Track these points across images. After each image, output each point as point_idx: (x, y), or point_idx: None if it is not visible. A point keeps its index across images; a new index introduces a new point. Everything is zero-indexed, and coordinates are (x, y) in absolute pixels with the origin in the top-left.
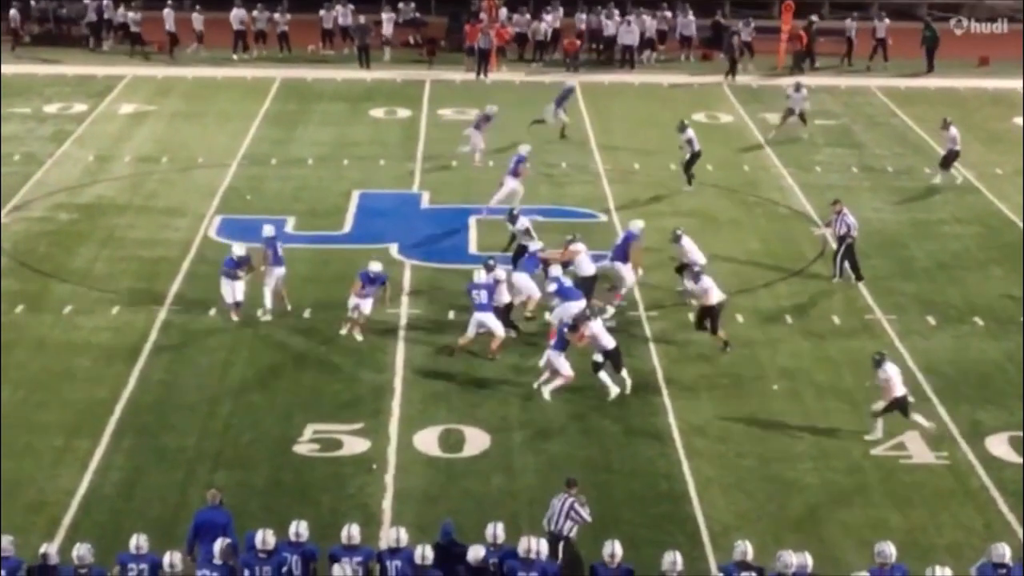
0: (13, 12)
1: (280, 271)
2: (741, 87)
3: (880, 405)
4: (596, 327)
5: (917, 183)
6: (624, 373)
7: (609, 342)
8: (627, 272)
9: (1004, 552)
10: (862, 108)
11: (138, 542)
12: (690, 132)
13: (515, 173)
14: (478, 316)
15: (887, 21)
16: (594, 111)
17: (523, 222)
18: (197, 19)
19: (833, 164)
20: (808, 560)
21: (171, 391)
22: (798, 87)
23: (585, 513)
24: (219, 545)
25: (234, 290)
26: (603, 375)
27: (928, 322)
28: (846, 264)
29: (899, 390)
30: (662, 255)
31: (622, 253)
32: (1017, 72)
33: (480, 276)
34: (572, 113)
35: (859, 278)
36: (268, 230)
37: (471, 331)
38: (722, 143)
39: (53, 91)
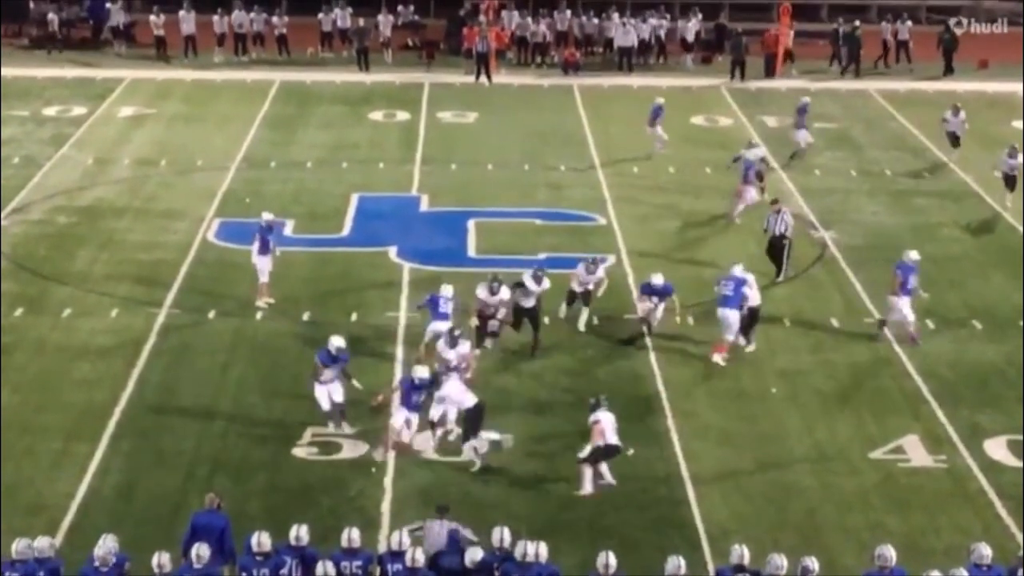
0: (51, 16)
1: (265, 261)
2: (740, 90)
3: (586, 451)
4: (605, 418)
5: (916, 186)
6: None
7: (612, 437)
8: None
9: (984, 553)
10: (861, 111)
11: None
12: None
13: (747, 180)
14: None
15: (909, 23)
16: (593, 114)
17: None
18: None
19: (832, 167)
20: (814, 564)
21: (170, 394)
22: (956, 110)
23: (469, 533)
24: (196, 551)
25: (330, 393)
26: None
27: (927, 325)
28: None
29: (609, 438)
30: (662, 260)
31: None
32: (1016, 75)
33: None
34: (571, 114)
35: (777, 276)
36: (266, 216)
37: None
38: (720, 146)
39: (52, 94)
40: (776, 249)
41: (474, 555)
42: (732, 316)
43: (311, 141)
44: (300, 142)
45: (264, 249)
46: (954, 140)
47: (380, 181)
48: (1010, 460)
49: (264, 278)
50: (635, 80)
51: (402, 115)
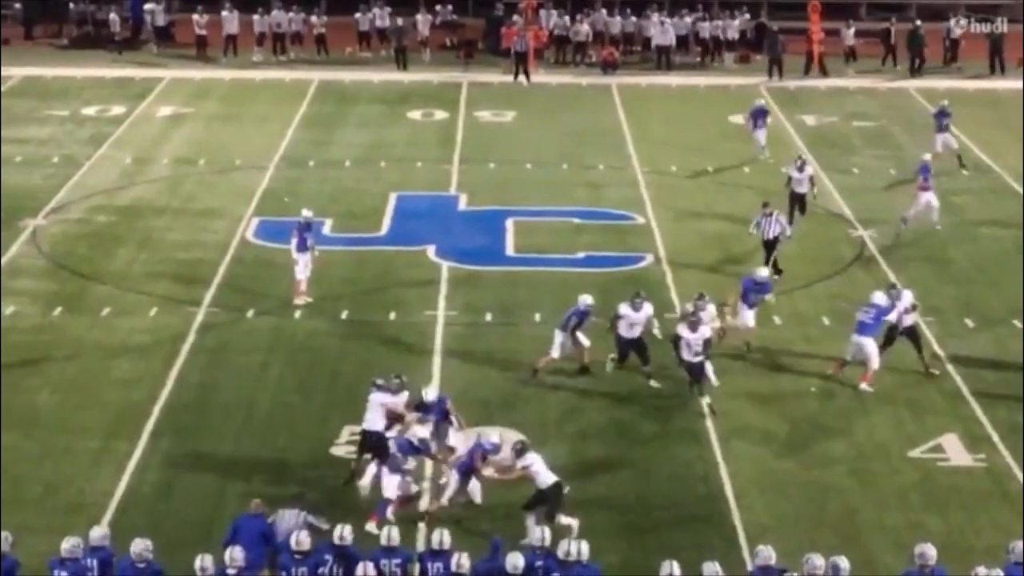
0: (113, 16)
1: (304, 258)
2: (778, 89)
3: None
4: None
5: (955, 185)
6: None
7: (548, 479)
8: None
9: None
10: (900, 110)
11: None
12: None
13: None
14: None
15: (964, 22)
16: (631, 113)
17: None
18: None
19: (871, 167)
20: (844, 563)
21: (208, 393)
22: (802, 164)
23: (321, 522)
24: (230, 553)
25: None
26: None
27: (966, 324)
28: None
29: (546, 480)
30: (699, 259)
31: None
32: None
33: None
34: (609, 113)
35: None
36: (305, 213)
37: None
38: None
39: (91, 93)
40: (774, 250)
41: (516, 560)
42: (868, 345)
43: (349, 140)
44: (338, 141)
45: (302, 246)
46: (800, 203)
47: (418, 180)
48: None
49: (301, 275)
50: (673, 79)
51: (440, 114)
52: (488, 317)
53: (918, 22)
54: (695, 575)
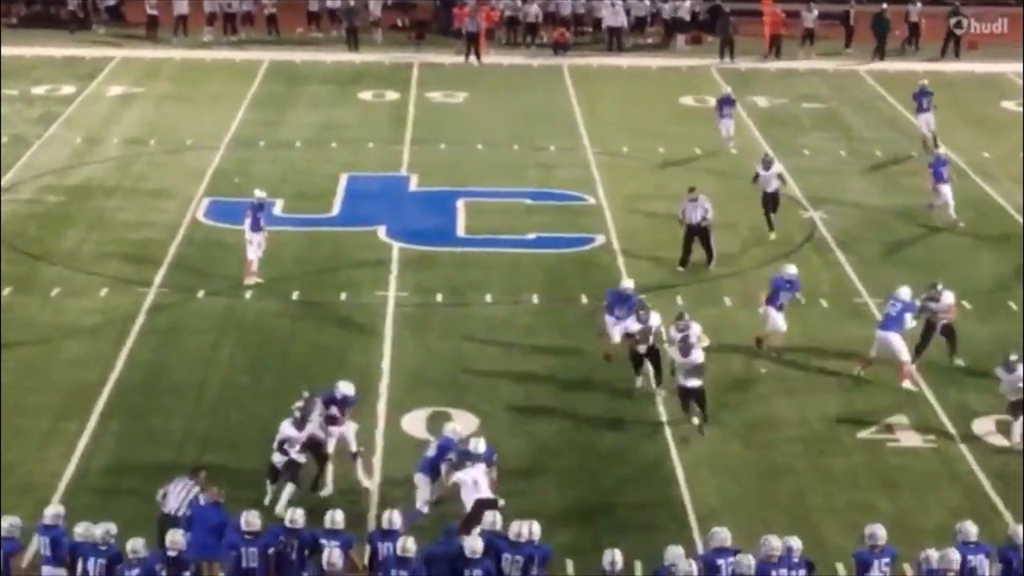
0: None
1: (257, 237)
2: (730, 71)
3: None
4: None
5: (906, 167)
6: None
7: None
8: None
9: (970, 531)
10: (851, 91)
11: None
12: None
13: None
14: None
15: (919, 5)
16: (583, 94)
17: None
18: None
19: (821, 148)
20: (796, 543)
21: (159, 373)
22: (768, 162)
23: (206, 496)
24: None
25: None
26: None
27: (917, 306)
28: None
29: (479, 494)
30: (649, 237)
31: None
32: (1005, 56)
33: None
34: (560, 94)
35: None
36: (258, 194)
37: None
38: (710, 126)
39: (41, 73)
40: (699, 237)
41: (475, 545)
42: (894, 339)
43: (300, 121)
44: (289, 122)
45: (255, 226)
46: (772, 201)
47: (369, 161)
48: (998, 439)
49: (253, 255)
50: (625, 60)
51: (391, 95)
52: (439, 298)
53: (884, 5)
54: (648, 556)
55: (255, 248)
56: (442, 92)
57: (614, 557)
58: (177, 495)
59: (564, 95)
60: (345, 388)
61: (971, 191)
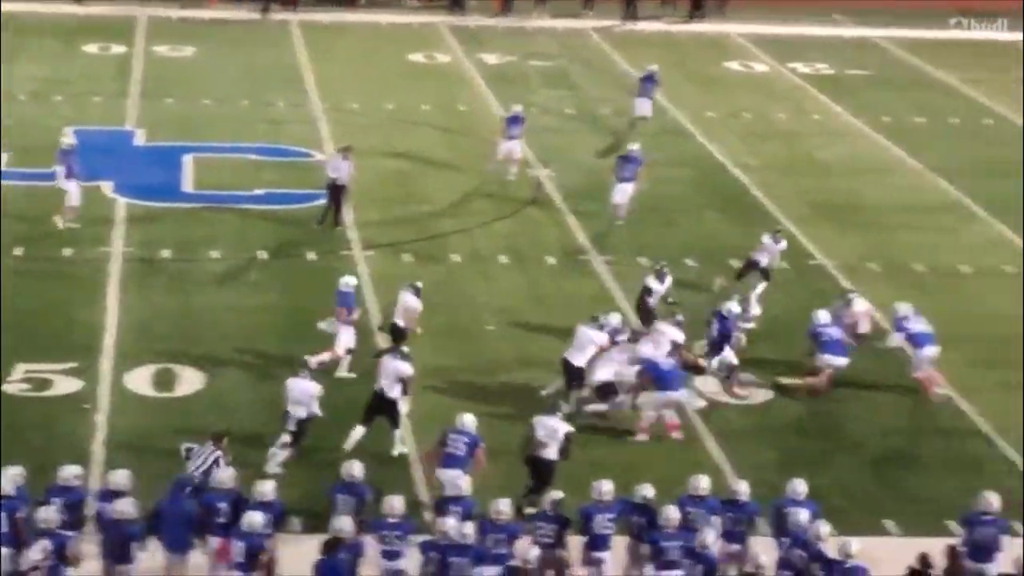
0: None
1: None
2: (459, 28)
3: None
4: None
5: (632, 126)
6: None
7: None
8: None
9: (700, 485)
10: (578, 50)
11: None
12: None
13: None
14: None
15: None
16: (313, 50)
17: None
18: None
19: (548, 106)
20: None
21: None
22: (776, 236)
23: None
24: None
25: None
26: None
27: (640, 263)
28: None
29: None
30: (378, 199)
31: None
32: (731, 17)
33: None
34: (289, 50)
35: (332, 224)
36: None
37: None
38: (439, 83)
39: None
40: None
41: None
42: (841, 362)
43: (24, 74)
44: (12, 75)
45: (70, 173)
46: (764, 273)
47: (94, 115)
48: (723, 397)
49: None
50: (353, 16)
51: (117, 48)
52: (166, 254)
53: None
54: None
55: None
56: (169, 46)
57: (393, 503)
58: (201, 457)
59: (293, 51)
60: None
61: (695, 150)
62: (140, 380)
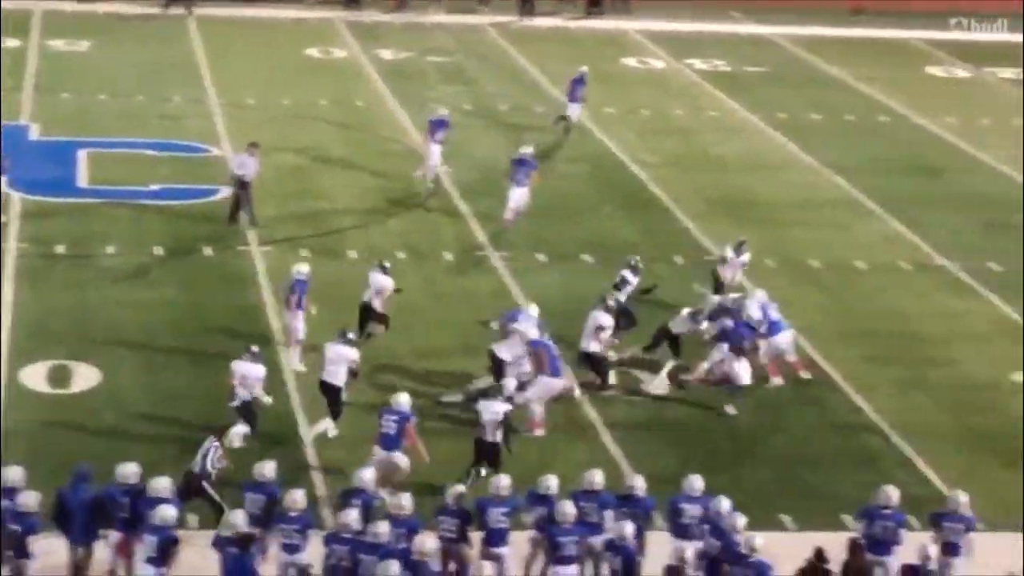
0: None
1: None
2: (356, 23)
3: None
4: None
5: (529, 122)
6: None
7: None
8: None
9: (594, 480)
10: (475, 46)
11: None
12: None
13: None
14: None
15: None
16: (210, 45)
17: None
18: None
19: (446, 102)
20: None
21: None
22: (740, 247)
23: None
24: None
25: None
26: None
27: (538, 259)
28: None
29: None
30: (274, 188)
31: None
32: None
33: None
34: (186, 45)
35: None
36: None
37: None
38: (336, 79)
39: None
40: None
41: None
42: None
43: None
44: None
45: None
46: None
47: None
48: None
49: None
50: (251, 11)
51: (11, 42)
52: (60, 249)
53: None
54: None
55: None
56: (65, 40)
57: (295, 497)
58: (203, 450)
59: (190, 46)
60: None
61: (593, 147)
62: (35, 376)
